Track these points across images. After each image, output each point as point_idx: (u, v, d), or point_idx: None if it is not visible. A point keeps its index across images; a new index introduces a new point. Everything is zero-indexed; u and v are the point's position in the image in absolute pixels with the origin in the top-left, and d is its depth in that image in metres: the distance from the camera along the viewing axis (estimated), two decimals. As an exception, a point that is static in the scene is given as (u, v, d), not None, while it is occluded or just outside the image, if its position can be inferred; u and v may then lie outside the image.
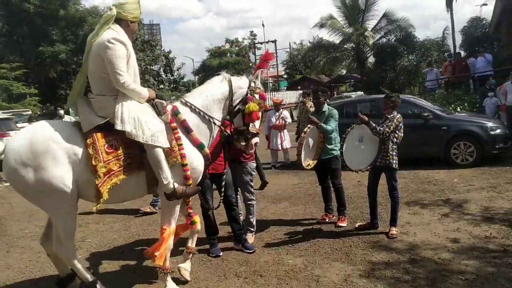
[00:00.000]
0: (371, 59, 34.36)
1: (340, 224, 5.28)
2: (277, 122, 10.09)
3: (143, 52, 39.68)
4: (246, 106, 3.84)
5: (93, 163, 3.21)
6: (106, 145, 3.29)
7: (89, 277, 3.50)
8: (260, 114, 3.99)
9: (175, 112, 3.58)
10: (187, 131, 3.59)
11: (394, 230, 4.80)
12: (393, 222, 4.88)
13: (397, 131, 4.81)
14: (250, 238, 4.96)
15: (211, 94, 3.83)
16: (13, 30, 28.52)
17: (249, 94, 3.88)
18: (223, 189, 4.44)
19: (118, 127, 3.23)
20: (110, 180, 3.25)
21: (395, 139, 4.81)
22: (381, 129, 4.72)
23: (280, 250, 4.65)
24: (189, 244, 4.01)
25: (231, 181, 4.81)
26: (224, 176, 4.58)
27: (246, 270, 4.16)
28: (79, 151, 3.24)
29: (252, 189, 5.06)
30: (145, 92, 3.46)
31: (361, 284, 3.69)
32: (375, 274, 3.86)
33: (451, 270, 3.84)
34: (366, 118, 4.80)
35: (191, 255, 4.03)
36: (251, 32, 51.85)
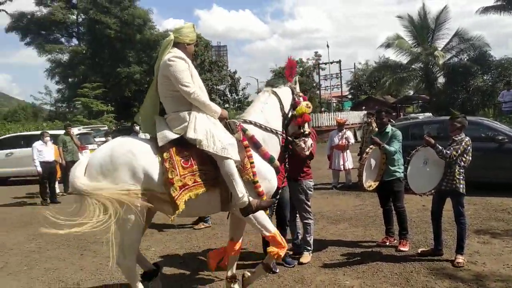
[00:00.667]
0: (441, 79, 32.98)
1: (402, 249, 5.11)
2: (340, 142, 10.01)
3: (210, 72, 41.41)
4: (297, 109, 4.06)
5: (170, 176, 3.32)
6: (182, 160, 3.41)
7: None
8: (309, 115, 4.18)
9: (243, 130, 3.70)
10: (256, 146, 3.70)
11: (460, 258, 4.55)
12: (459, 249, 4.63)
13: (465, 155, 4.61)
14: (307, 257, 4.96)
15: (267, 108, 3.99)
16: (96, 53, 31.28)
17: (296, 99, 4.10)
18: (275, 204, 4.40)
19: (191, 135, 3.39)
20: (185, 194, 3.35)
21: (462, 163, 4.61)
22: (448, 152, 4.54)
23: (337, 270, 4.60)
24: (229, 274, 3.97)
25: (288, 199, 4.87)
26: (280, 191, 4.61)
27: (302, 288, 4.17)
28: (156, 165, 3.38)
29: (308, 208, 5.07)
30: (217, 107, 3.63)
31: (422, 311, 3.55)
32: (437, 302, 3.70)
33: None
34: (433, 141, 4.65)
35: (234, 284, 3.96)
36: (316, 52, 51.79)
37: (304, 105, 4.09)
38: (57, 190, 10.50)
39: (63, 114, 32.18)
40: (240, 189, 3.43)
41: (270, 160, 3.76)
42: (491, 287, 3.96)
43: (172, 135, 3.46)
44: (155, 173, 3.36)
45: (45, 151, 9.82)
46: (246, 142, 3.60)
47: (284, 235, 4.88)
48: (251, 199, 3.49)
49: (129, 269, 3.56)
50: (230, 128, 3.66)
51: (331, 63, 42.30)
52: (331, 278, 4.39)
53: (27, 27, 32.52)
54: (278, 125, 4.01)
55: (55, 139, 10.72)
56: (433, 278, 4.24)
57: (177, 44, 3.58)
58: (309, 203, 5.11)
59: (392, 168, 5.22)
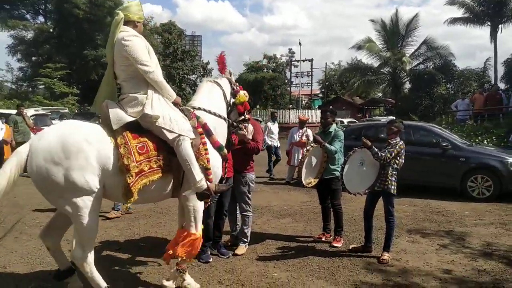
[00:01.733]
0: (407, 85, 33.99)
1: (335, 244, 5.29)
2: (300, 139, 10.13)
3: (183, 61, 40.96)
4: (237, 98, 4.29)
5: (126, 162, 3.25)
6: (138, 146, 3.36)
7: (104, 285, 3.41)
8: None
9: (196, 117, 3.74)
10: (208, 134, 3.76)
11: (386, 255, 4.76)
12: (386, 247, 4.85)
13: (398, 158, 4.81)
14: (242, 248, 5.05)
15: (214, 96, 4.12)
16: (63, 33, 30.20)
17: (235, 88, 4.33)
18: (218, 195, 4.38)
19: (148, 111, 3.35)
20: (141, 180, 3.31)
21: (395, 165, 4.81)
22: (383, 154, 4.73)
23: (269, 263, 4.71)
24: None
25: (230, 191, 4.95)
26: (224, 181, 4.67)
27: (230, 278, 4.25)
28: (110, 151, 3.28)
29: (249, 201, 5.17)
30: (172, 91, 3.62)
31: (338, 303, 3.71)
32: (354, 296, 3.87)
33: (433, 300, 3.80)
34: (369, 143, 4.83)
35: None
36: (290, 49, 52.23)
37: (243, 94, 4.33)
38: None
39: (25, 93, 30.96)
40: (198, 172, 3.46)
41: (219, 148, 3.85)
42: (409, 282, 4.17)
43: (127, 118, 3.39)
44: (108, 160, 3.27)
45: (-7, 130, 9.51)
46: (200, 129, 3.66)
47: (222, 224, 5.01)
48: (209, 183, 3.54)
49: (89, 263, 3.34)
50: (184, 114, 3.68)
51: (303, 61, 42.66)
52: (261, 270, 4.50)
53: (-10, 0, 31.04)
54: (224, 113, 4.12)
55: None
56: (357, 272, 4.43)
57: (127, 23, 3.52)
58: (250, 196, 5.21)
59: (332, 167, 5.38)
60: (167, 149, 3.49)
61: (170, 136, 3.43)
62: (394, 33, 31.99)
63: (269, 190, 9.45)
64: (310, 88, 42.58)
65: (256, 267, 4.58)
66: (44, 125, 13.13)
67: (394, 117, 25.09)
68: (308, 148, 5.32)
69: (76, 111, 23.20)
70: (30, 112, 12.21)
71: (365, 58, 33.83)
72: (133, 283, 4.12)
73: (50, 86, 23.78)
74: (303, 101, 50.94)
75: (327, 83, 53.46)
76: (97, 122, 3.75)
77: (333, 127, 5.56)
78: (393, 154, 4.74)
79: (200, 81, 44.60)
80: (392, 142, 4.88)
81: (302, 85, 41.70)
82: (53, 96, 25.07)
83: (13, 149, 10.19)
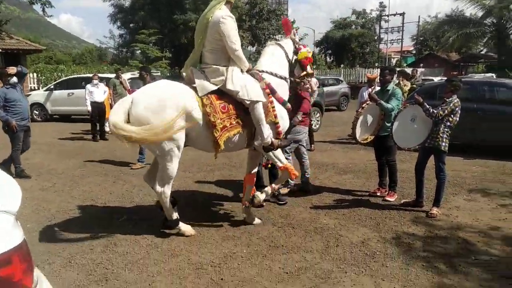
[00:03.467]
0: (515, 37, 30.37)
1: (388, 199, 5.54)
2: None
3: (268, 21, 41.02)
4: (299, 54, 4.79)
5: (212, 119, 4.00)
6: (221, 105, 4.10)
7: (174, 216, 4.27)
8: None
9: (263, 79, 4.38)
10: (273, 92, 4.36)
11: (434, 210, 4.92)
12: (436, 202, 4.99)
13: (452, 115, 4.83)
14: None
15: (276, 59, 4.69)
16: (154, -1, 32.06)
17: (297, 47, 4.82)
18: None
19: (230, 87, 4.07)
20: (225, 134, 4.08)
21: (448, 123, 4.84)
22: (435, 111, 4.79)
23: (321, 211, 5.17)
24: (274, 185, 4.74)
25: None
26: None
27: (283, 222, 4.81)
28: (197, 108, 3.99)
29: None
30: (247, 62, 4.28)
31: (375, 246, 4.07)
32: (392, 242, 4.19)
33: (472, 250, 3.97)
34: (421, 99, 4.91)
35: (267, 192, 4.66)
36: (381, 3, 49.09)
37: (305, 51, 4.83)
38: (107, 129, 11.74)
39: (125, 59, 33.88)
40: (266, 130, 4.21)
41: (283, 103, 4.48)
42: (450, 235, 4.35)
43: (211, 86, 4.13)
44: (195, 115, 3.99)
45: (95, 92, 10.96)
46: (268, 90, 4.30)
47: (277, 173, 5.50)
48: (273, 139, 4.28)
49: (166, 196, 4.13)
50: (254, 77, 4.35)
51: (394, 15, 40.18)
52: (313, 216, 4.98)
53: (93, -28, 33.86)
54: (286, 72, 4.72)
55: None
56: (401, 223, 4.70)
57: (226, 3, 4.14)
58: (304, 145, 6.04)
59: (388, 124, 5.51)
60: (243, 109, 4.21)
61: (248, 102, 4.13)
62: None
63: (338, 149, 9.71)
64: (400, 44, 40.22)
65: (308, 214, 5.07)
66: (139, 87, 14.62)
67: (493, 75, 23.03)
68: (363, 105, 5.51)
69: (168, 74, 24.96)
70: (127, 76, 13.59)
71: (466, 9, 30.76)
72: (200, 224, 4.89)
73: (145, 51, 25.82)
74: (393, 59, 48.32)
75: (421, 38, 49.81)
76: (183, 83, 4.44)
77: (391, 85, 5.65)
78: (446, 111, 4.78)
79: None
80: (447, 100, 4.89)
81: (392, 41, 39.48)
82: (148, 60, 27.15)
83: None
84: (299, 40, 5.09)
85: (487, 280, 3.40)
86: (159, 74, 20.76)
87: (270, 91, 4.31)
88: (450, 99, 4.87)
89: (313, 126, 10.35)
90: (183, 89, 4.11)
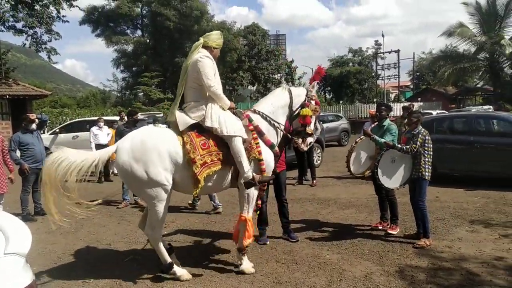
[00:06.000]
0: (507, 70, 31.11)
1: (390, 232, 5.59)
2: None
3: (267, 61, 42.17)
4: (302, 110, 4.67)
5: (192, 156, 4.03)
6: (201, 142, 4.13)
7: (167, 260, 4.25)
8: (313, 118, 4.79)
9: (249, 119, 4.47)
10: (260, 134, 4.45)
11: (422, 241, 5.02)
12: (424, 233, 5.11)
13: (425, 145, 5.04)
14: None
15: (276, 103, 4.71)
16: (157, 44, 33.30)
17: (306, 101, 4.71)
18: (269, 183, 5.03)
19: (208, 124, 4.19)
20: (205, 170, 4.06)
21: (425, 152, 5.04)
22: (407, 147, 5.01)
23: (323, 246, 5.21)
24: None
25: (285, 182, 5.55)
26: (280, 175, 5.37)
27: (287, 258, 4.85)
28: (179, 149, 4.08)
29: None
30: (228, 101, 4.41)
31: (378, 280, 4.10)
32: (396, 275, 4.22)
33: (476, 281, 4.00)
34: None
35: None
36: (376, 41, 50.65)
37: (311, 109, 4.69)
38: (115, 171, 11.87)
39: (128, 101, 34.67)
40: (246, 165, 4.20)
41: (271, 146, 4.52)
42: (454, 266, 4.37)
43: (191, 121, 4.24)
44: (177, 157, 4.09)
45: (100, 135, 11.20)
46: (251, 127, 4.37)
47: (286, 211, 5.63)
48: (254, 174, 4.26)
49: (156, 240, 4.23)
50: (237, 116, 4.45)
51: (389, 52, 41.26)
52: (316, 252, 5.02)
53: (97, 20, 35.33)
54: (282, 119, 4.70)
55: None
56: (404, 257, 4.73)
57: (205, 47, 4.36)
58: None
59: (384, 160, 5.66)
60: (225, 146, 4.25)
61: (226, 135, 4.19)
62: (490, 15, 29.53)
63: (340, 184, 9.80)
64: (399, 80, 41.07)
65: (311, 249, 5.11)
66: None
67: (490, 106, 23.39)
68: (357, 140, 5.68)
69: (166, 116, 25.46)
70: (140, 117, 13.90)
71: (458, 45, 31.64)
72: (199, 264, 4.93)
73: (148, 93, 26.53)
74: (391, 94, 49.10)
75: (417, 74, 50.86)
76: (167, 126, 4.63)
77: (386, 121, 5.84)
78: (418, 143, 4.98)
79: (285, 80, 45.59)
80: (415, 132, 5.09)
81: (389, 77, 40.33)
82: (150, 102, 27.80)
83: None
84: (312, 88, 4.83)
85: (491, 311, 3.42)
86: (161, 115, 21.20)
87: (257, 132, 4.38)
88: (417, 130, 5.09)
89: (314, 162, 10.51)
90: (165, 132, 4.25)
